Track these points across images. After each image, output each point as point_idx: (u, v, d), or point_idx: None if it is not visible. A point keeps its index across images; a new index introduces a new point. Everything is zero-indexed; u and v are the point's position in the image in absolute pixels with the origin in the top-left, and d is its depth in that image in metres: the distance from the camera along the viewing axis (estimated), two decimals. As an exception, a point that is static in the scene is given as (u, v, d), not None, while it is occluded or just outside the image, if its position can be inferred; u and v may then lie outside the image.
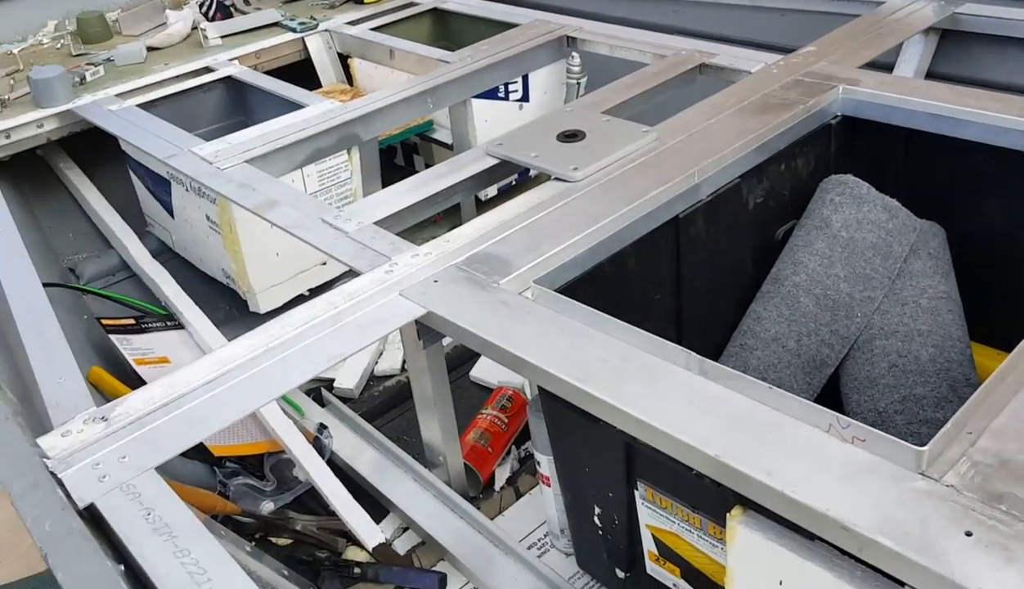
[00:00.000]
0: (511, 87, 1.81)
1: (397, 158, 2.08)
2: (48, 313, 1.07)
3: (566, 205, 1.16)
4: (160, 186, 1.64)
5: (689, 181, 1.20)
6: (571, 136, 1.32)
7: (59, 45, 2.06)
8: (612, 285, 1.12)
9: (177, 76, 1.81)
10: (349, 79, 2.06)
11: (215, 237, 1.56)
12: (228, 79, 1.80)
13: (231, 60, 1.88)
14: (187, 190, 1.55)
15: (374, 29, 2.02)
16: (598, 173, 1.23)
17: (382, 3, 2.20)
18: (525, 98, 1.85)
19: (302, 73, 2.03)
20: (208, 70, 1.84)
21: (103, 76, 1.83)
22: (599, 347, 0.88)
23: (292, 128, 1.50)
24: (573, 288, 1.06)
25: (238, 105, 1.86)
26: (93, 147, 1.81)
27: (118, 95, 1.73)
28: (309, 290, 1.65)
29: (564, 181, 1.22)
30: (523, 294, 1.00)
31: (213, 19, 2.11)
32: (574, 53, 1.89)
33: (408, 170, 2.04)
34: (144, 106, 1.67)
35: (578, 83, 1.96)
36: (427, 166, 2.01)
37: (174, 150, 1.45)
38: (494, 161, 1.33)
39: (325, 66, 2.04)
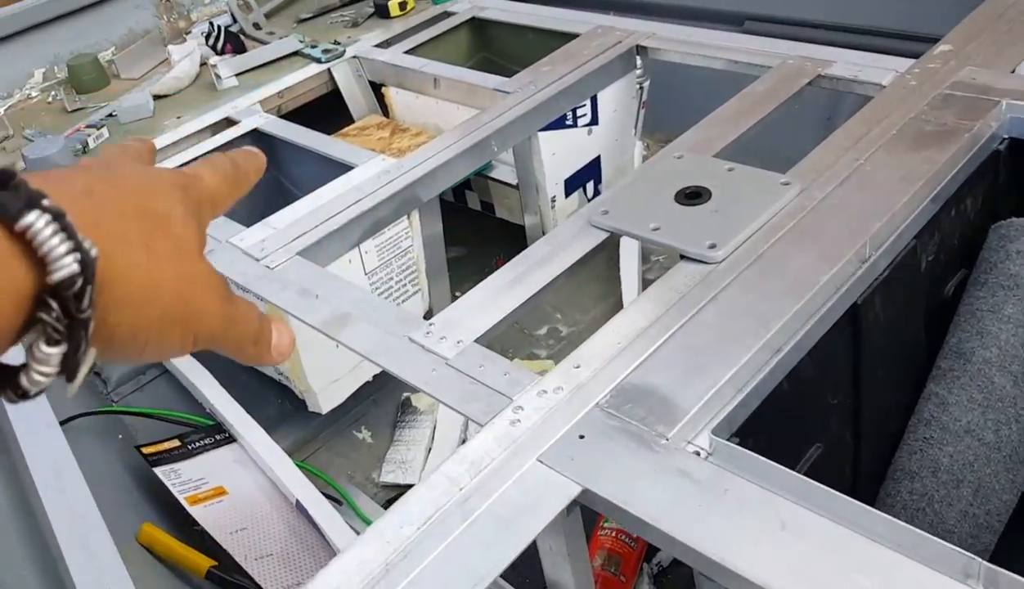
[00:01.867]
0: (579, 111, 1.57)
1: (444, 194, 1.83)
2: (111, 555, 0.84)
3: (717, 300, 0.93)
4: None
5: (861, 255, 0.96)
6: (693, 196, 1.09)
7: (50, 99, 1.81)
8: (790, 404, 0.90)
9: (194, 133, 1.57)
10: (383, 108, 1.81)
11: (263, 332, 1.33)
12: (254, 132, 1.55)
13: (253, 105, 1.63)
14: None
15: (408, 52, 1.77)
16: (742, 248, 0.99)
17: (409, 15, 1.94)
18: (594, 121, 1.61)
19: (329, 105, 1.78)
20: (229, 122, 1.59)
21: (107, 139, 1.59)
22: (834, 548, 0.66)
23: (345, 199, 1.26)
24: (752, 426, 0.83)
25: (267, 159, 1.61)
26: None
27: (129, 165, 1.49)
28: (374, 376, 1.43)
29: (700, 262, 0.99)
30: (697, 448, 0.77)
31: (223, 52, 1.86)
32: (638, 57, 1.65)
33: (460, 207, 1.80)
34: (162, 177, 1.43)
35: (641, 88, 1.71)
36: (483, 204, 1.78)
37: (210, 243, 1.21)
38: (602, 235, 1.09)
39: (355, 97, 1.79)
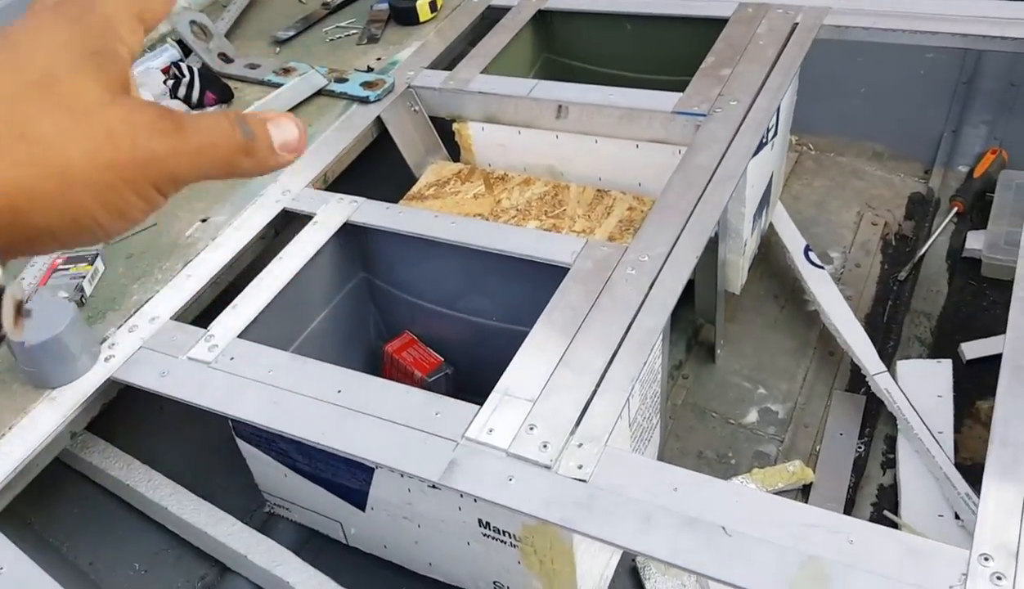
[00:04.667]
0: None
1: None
2: None
3: None
4: (340, 469, 0.90)
5: None
6: None
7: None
8: None
9: (248, 244, 1.04)
10: (450, 149, 1.33)
11: (490, 547, 0.86)
12: (345, 228, 1.05)
13: (307, 184, 1.12)
14: (430, 486, 0.83)
15: (485, 72, 1.29)
16: None
17: (441, 18, 1.45)
18: (776, 132, 1.22)
19: (368, 153, 1.28)
20: (289, 217, 1.07)
21: (103, 274, 1.03)
22: None
23: (613, 327, 0.82)
24: None
25: (354, 258, 1.11)
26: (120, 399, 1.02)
27: (176, 318, 0.95)
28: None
29: None
30: None
31: (202, 104, 1.30)
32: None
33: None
34: (245, 333, 0.91)
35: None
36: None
37: (442, 447, 0.73)
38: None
39: (411, 140, 1.30)
